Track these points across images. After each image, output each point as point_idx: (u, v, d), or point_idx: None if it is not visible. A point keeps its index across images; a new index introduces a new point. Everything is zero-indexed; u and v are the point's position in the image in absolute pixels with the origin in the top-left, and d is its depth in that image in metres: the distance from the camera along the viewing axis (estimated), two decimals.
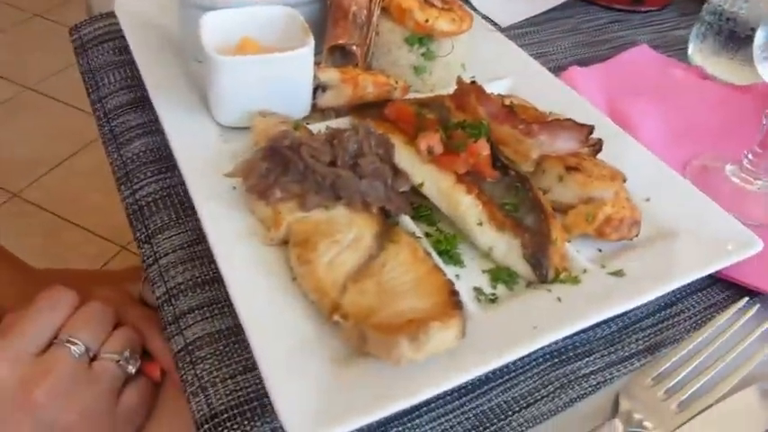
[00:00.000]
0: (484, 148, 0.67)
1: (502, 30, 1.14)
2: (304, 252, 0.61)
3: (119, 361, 0.74)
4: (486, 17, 1.17)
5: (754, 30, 1.02)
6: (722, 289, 0.71)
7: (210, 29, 0.80)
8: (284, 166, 0.67)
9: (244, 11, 0.84)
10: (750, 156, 0.82)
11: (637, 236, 0.70)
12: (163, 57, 0.92)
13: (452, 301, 0.56)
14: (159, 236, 0.73)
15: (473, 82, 0.75)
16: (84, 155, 2.67)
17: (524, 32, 1.15)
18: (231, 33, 0.82)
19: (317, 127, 0.80)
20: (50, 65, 3.09)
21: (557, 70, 1.04)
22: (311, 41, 0.79)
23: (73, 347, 0.70)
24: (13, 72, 3.09)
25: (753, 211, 0.80)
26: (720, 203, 0.80)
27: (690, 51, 1.11)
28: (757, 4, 1.00)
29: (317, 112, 0.84)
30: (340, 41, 0.83)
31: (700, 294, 0.70)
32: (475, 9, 1.20)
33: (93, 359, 0.73)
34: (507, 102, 0.81)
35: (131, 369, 0.75)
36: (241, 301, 0.59)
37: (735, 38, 1.04)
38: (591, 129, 0.72)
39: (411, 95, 0.87)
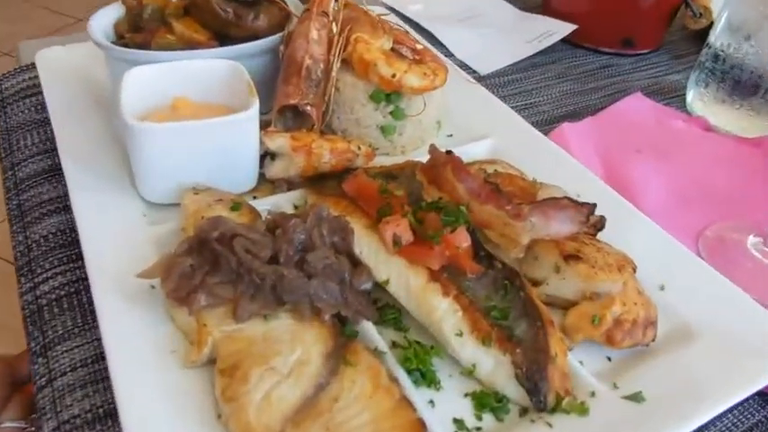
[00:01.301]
0: (463, 240, 0.54)
1: (481, 78, 1.02)
2: (231, 384, 0.47)
3: (24, 428, 0.70)
4: (463, 64, 1.06)
5: (762, 77, 0.92)
6: (762, 403, 0.57)
7: (135, 87, 0.67)
8: (213, 264, 0.54)
9: (178, 65, 0.71)
10: None
11: (653, 339, 0.57)
12: (85, 116, 0.79)
13: None
14: (58, 347, 0.58)
15: (449, 152, 0.62)
16: None
17: (507, 81, 1.04)
18: (163, 91, 0.69)
19: (266, 202, 0.67)
20: None
21: (545, 124, 0.93)
22: (255, 102, 0.66)
23: None
24: None
25: None
26: (742, 282, 0.67)
27: (689, 99, 1.00)
28: (765, 49, 0.89)
29: (267, 182, 0.71)
30: (291, 101, 0.69)
31: (735, 413, 0.56)
32: (451, 55, 1.08)
33: None
34: (490, 169, 0.69)
35: None
36: None
37: (741, 86, 0.93)
38: (592, 208, 0.59)
39: (378, 159, 0.74)
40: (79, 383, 0.55)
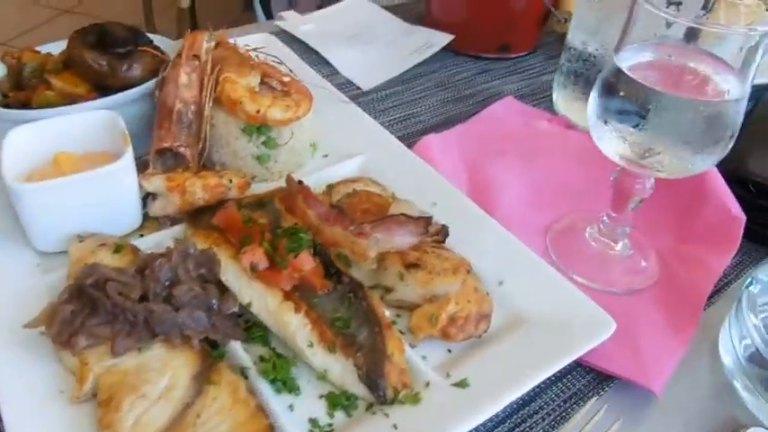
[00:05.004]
0: (306, 263, 0.62)
1: (364, 94, 1.10)
2: (106, 414, 0.54)
3: None
4: (348, 81, 1.14)
5: None
6: (583, 374, 0.67)
7: (16, 148, 0.72)
8: (92, 307, 0.61)
9: (56, 122, 0.76)
10: (605, 218, 0.80)
11: (485, 331, 0.66)
12: None
13: None
14: None
15: (300, 182, 0.70)
16: None
17: (388, 94, 1.12)
18: (44, 149, 0.75)
19: (151, 239, 0.74)
20: None
21: (421, 134, 1.01)
22: (129, 151, 0.72)
23: None
24: None
25: (614, 277, 0.77)
26: (583, 270, 0.77)
27: (554, 99, 1.10)
28: (607, 48, 0.99)
29: (152, 220, 0.78)
30: (165, 144, 0.76)
31: (559, 385, 0.66)
32: (337, 73, 1.16)
33: None
34: (354, 188, 0.77)
35: None
36: None
37: (591, 83, 1.02)
38: (429, 220, 0.68)
39: (257, 186, 0.81)
40: None
